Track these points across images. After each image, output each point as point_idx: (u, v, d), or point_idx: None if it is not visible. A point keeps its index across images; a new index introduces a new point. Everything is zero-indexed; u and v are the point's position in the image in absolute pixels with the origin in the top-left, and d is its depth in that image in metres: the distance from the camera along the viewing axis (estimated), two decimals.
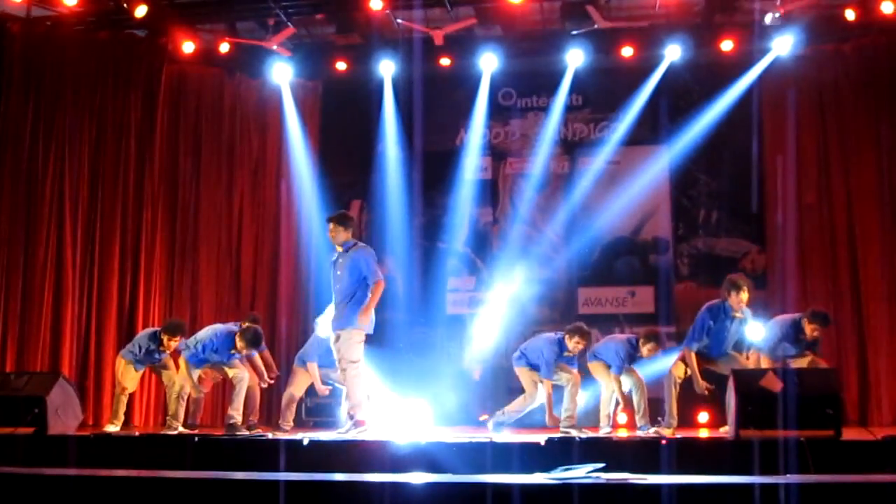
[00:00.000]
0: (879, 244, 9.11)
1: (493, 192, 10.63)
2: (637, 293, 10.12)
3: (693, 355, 7.02)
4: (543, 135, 10.42)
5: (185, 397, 7.80)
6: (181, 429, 7.62)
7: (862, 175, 9.28)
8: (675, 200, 10.22)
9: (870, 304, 9.07)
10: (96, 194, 9.32)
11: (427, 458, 5.04)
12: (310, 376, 7.98)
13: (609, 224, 10.15)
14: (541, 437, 5.34)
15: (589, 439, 5.95)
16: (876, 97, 9.31)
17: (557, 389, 7.67)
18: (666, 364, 7.50)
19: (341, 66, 10.28)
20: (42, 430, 6.21)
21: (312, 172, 10.50)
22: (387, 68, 10.22)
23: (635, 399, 7.65)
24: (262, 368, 7.93)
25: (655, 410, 7.62)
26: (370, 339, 6.82)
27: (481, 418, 8.84)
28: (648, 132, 10.23)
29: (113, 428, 7.68)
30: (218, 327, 7.83)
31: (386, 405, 8.06)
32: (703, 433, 7.66)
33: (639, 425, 7.59)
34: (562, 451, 4.98)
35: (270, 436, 6.48)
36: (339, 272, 6.73)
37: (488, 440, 5.42)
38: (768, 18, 9.19)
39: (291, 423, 8.10)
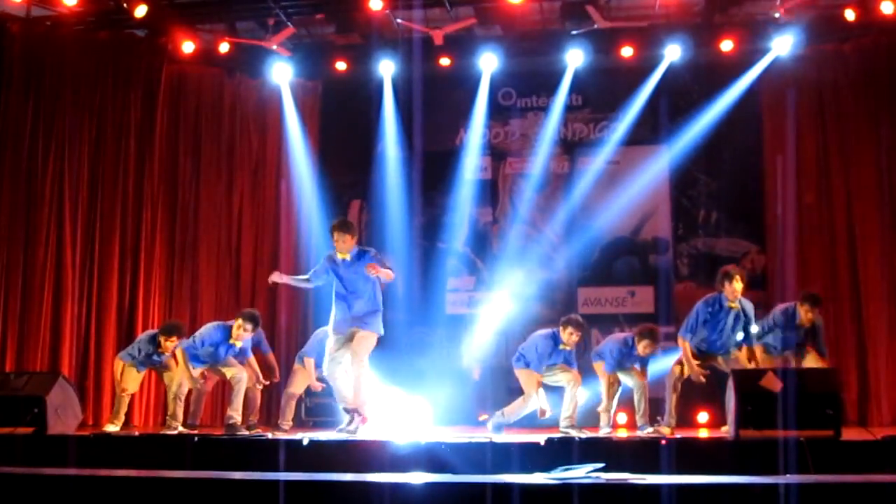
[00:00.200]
0: (879, 244, 9.11)
1: (493, 192, 10.63)
2: (637, 293, 10.12)
3: (686, 344, 7.08)
4: (543, 135, 10.41)
5: (183, 397, 7.81)
6: (181, 429, 7.62)
7: (861, 175, 9.28)
8: (675, 200, 10.22)
9: (869, 304, 9.07)
10: (96, 194, 9.32)
11: (427, 458, 5.04)
12: (309, 375, 7.99)
13: (609, 224, 10.14)
14: (540, 437, 5.34)
15: (589, 439, 5.95)
16: (876, 97, 9.30)
17: (558, 389, 7.67)
18: (667, 363, 7.51)
19: (341, 66, 10.27)
20: (42, 429, 6.21)
21: (312, 172, 10.49)
22: (386, 68, 10.22)
23: (636, 399, 7.66)
24: (257, 369, 7.93)
25: (656, 410, 7.64)
26: None
27: (481, 418, 8.84)
28: (648, 132, 10.23)
29: (113, 428, 7.69)
30: (215, 323, 7.88)
31: (386, 404, 8.06)
32: (703, 433, 7.67)
33: (639, 425, 7.59)
34: (562, 451, 4.97)
35: (270, 436, 6.47)
36: (352, 276, 6.62)
37: (488, 440, 5.41)
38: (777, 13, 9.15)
39: (291, 423, 8.11)
